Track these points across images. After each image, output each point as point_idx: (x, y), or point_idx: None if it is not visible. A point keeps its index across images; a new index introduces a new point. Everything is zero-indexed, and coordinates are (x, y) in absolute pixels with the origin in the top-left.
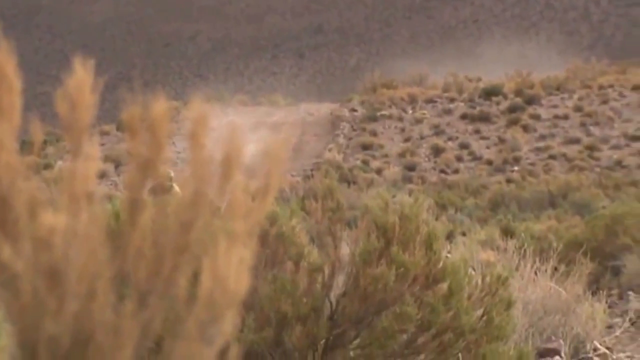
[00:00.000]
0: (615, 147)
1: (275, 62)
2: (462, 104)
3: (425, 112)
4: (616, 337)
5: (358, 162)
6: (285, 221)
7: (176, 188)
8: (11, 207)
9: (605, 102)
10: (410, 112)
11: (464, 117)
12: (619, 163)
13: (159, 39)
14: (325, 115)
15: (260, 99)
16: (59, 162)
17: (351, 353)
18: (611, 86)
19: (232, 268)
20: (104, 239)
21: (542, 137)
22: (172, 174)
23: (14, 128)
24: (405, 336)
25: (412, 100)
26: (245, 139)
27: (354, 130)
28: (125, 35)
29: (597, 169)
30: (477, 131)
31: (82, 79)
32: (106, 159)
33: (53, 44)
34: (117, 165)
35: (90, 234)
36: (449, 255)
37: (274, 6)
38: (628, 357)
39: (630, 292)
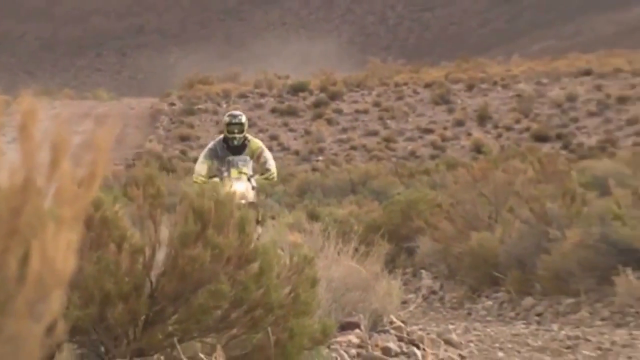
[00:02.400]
0: (410, 139)
1: (99, 60)
2: (271, 99)
3: (238, 106)
4: (410, 311)
5: (177, 152)
6: (109, 206)
7: None
8: None
9: (400, 98)
10: (225, 106)
11: (273, 111)
12: (413, 153)
13: None
14: (145, 109)
15: (86, 93)
16: None
17: (170, 328)
18: (406, 84)
19: (60, 250)
20: None
21: (344, 130)
22: None
23: None
24: (219, 312)
25: (226, 95)
26: (71, 131)
27: (173, 122)
28: None
29: (394, 159)
30: (286, 124)
31: None
32: None
33: None
34: None
35: None
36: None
37: (98, 8)
38: (420, 329)
39: (422, 271)
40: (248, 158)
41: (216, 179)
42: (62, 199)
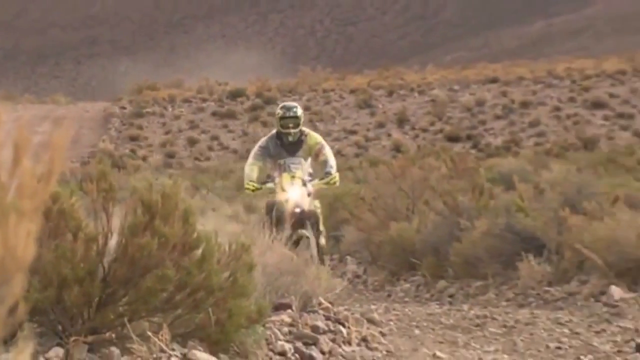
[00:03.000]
0: (336, 139)
1: (58, 68)
2: (212, 104)
3: (182, 110)
4: (336, 294)
5: (127, 151)
6: (65, 199)
7: None
8: None
9: (328, 102)
10: (170, 109)
11: (214, 114)
12: (339, 152)
13: None
14: (99, 112)
15: (45, 98)
16: None
17: (120, 309)
18: (333, 90)
19: (20, 239)
20: None
21: None
22: None
23: None
24: (165, 294)
25: (172, 100)
26: (32, 131)
27: (124, 124)
28: None
29: None
30: (225, 126)
31: None
32: None
33: None
34: None
35: None
36: (202, 226)
37: (56, 21)
38: (346, 309)
39: (348, 257)
40: (302, 160)
41: (270, 185)
42: (23, 192)
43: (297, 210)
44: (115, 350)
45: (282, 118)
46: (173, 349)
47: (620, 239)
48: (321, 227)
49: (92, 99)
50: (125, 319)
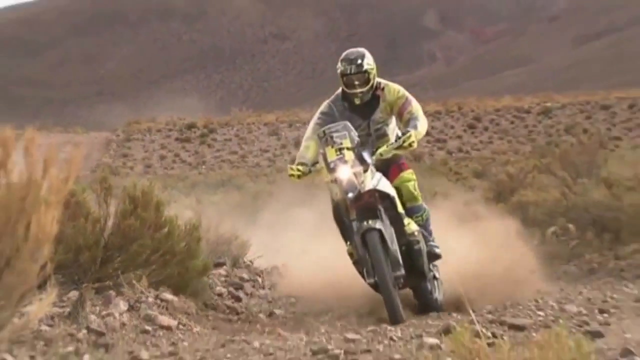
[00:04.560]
0: (255, 156)
1: (78, 109)
2: (175, 132)
3: (155, 136)
4: (258, 256)
5: (120, 164)
6: (79, 195)
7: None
8: None
9: (250, 132)
10: (148, 136)
11: (176, 139)
12: (257, 164)
13: None
14: (103, 139)
15: (69, 129)
16: None
17: (116, 265)
18: (253, 123)
19: (48, 220)
20: None
21: (218, 150)
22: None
23: None
24: (144, 256)
25: (149, 130)
26: (58, 151)
27: (118, 146)
28: None
29: (246, 168)
30: (184, 147)
31: None
32: None
33: None
34: None
35: None
36: (168, 213)
37: (78, 79)
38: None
39: None
40: (348, 124)
41: (320, 165)
42: (50, 190)
43: (350, 195)
44: (112, 293)
45: (343, 75)
46: (149, 292)
47: None
48: (399, 209)
49: (98, 130)
50: (119, 272)
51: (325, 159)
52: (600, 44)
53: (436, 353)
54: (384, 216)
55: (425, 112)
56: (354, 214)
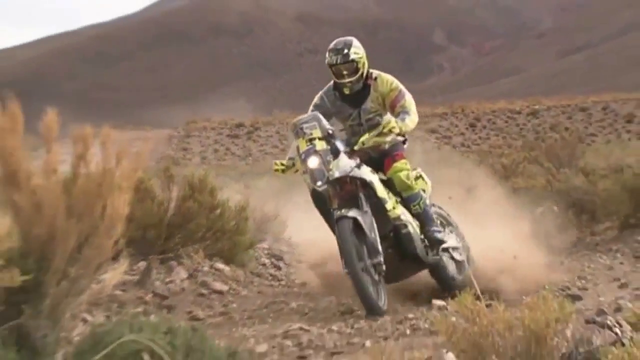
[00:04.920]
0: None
1: (146, 113)
2: (227, 130)
3: (210, 133)
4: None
5: (181, 155)
6: (147, 181)
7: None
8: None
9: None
10: (204, 133)
11: (228, 135)
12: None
13: None
14: (167, 135)
15: (138, 127)
16: None
17: (177, 240)
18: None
19: (121, 203)
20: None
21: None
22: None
23: None
24: (200, 233)
25: (205, 128)
26: (130, 146)
27: (179, 141)
28: None
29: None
30: (234, 142)
31: None
32: None
33: None
34: None
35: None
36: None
37: (148, 88)
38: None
39: None
40: (318, 114)
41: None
42: (122, 177)
43: (319, 184)
44: (174, 263)
45: (331, 65)
46: (205, 262)
47: None
48: (387, 196)
49: (163, 128)
50: (180, 246)
51: (298, 151)
52: (579, 57)
53: (443, 313)
54: (364, 203)
55: (434, 114)
56: (336, 203)
